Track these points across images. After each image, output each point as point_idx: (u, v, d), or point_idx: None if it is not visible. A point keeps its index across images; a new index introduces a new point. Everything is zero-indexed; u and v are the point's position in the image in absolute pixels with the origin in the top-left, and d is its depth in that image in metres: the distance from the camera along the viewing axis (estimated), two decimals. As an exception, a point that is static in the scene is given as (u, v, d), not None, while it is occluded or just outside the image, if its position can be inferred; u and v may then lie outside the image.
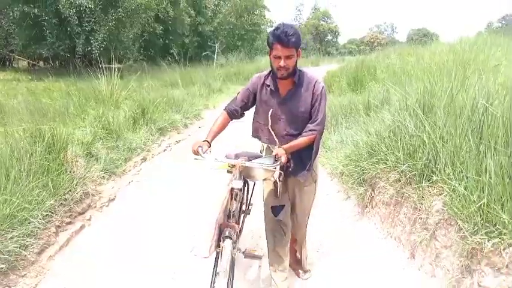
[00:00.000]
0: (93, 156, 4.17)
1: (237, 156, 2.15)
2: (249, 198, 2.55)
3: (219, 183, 2.54)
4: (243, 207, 2.41)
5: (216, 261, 1.97)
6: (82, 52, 11.88)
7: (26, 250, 2.60)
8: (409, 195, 2.40)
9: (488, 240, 1.72)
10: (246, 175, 2.13)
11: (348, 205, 3.40)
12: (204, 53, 18.28)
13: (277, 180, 2.12)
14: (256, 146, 2.41)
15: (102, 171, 4.03)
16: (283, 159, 1.94)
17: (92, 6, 11.48)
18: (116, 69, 7.69)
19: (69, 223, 3.18)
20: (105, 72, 7.06)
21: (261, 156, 2.21)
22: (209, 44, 18.49)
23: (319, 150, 2.21)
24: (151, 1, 12.89)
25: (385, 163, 2.72)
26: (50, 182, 3.08)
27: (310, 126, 2.08)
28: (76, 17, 11.47)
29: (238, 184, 2.02)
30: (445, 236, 2.06)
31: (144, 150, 5.12)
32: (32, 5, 11.02)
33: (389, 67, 5.84)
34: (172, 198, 3.82)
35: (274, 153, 1.98)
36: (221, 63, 17.17)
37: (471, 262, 1.80)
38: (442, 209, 2.09)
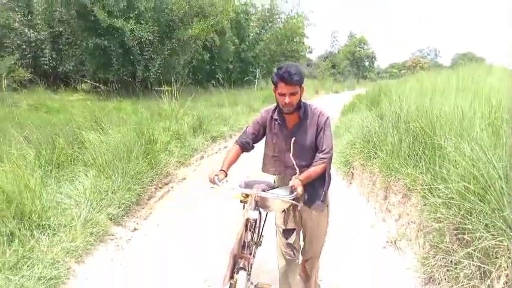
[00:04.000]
0: (169, 151, 6.23)
1: (249, 186, 2.30)
2: (261, 229, 2.60)
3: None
4: (255, 238, 2.44)
5: None
6: (141, 77, 14.50)
7: (140, 197, 4.61)
8: (367, 166, 4.18)
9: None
10: (261, 205, 2.24)
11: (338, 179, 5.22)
12: (246, 78, 20.65)
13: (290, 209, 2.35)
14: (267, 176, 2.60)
15: (176, 161, 6.06)
16: (300, 190, 2.06)
17: (151, 38, 14.13)
18: (168, 92, 9.93)
19: (161, 188, 5.19)
20: (161, 94, 9.35)
21: (274, 186, 2.38)
22: (251, 69, 20.90)
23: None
24: (201, 33, 15.42)
25: (358, 150, 4.53)
26: (151, 160, 5.12)
27: (319, 155, 2.28)
28: (138, 47, 14.14)
29: (254, 214, 2.11)
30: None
31: (202, 151, 7.16)
32: (102, 38, 13.83)
33: (403, 90, 7.53)
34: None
35: (290, 185, 2.10)
36: (261, 87, 19.43)
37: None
38: (379, 172, 3.87)
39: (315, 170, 2.24)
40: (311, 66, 39.42)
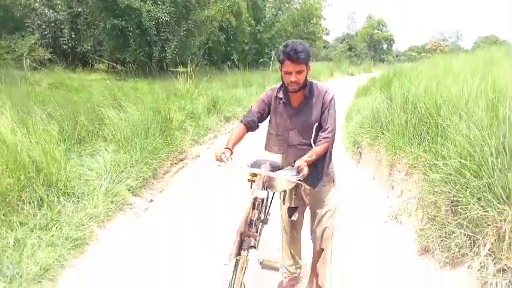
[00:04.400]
0: (184, 129, 6.48)
1: (258, 165, 2.34)
2: (267, 208, 2.63)
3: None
4: (262, 216, 2.49)
5: (236, 270, 2.01)
6: (158, 57, 14.72)
7: (157, 171, 4.89)
8: (374, 146, 4.35)
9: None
10: (268, 185, 2.29)
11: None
12: (261, 59, 20.68)
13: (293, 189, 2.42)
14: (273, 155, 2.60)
15: (190, 139, 6.31)
16: (306, 170, 2.09)
17: (168, 19, 14.27)
18: (184, 73, 10.14)
19: (176, 164, 5.47)
20: (177, 75, 9.56)
21: (279, 165, 2.45)
22: (266, 51, 20.89)
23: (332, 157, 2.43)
24: (217, 14, 15.47)
25: (366, 130, 4.68)
26: (167, 137, 5.38)
27: (322, 135, 2.28)
28: (154, 28, 14.31)
29: (263, 194, 2.17)
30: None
31: (215, 130, 7.40)
32: (120, 18, 14.03)
33: (416, 73, 7.54)
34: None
35: (296, 165, 2.14)
36: (276, 68, 19.47)
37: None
38: (385, 151, 4.02)
39: (318, 149, 2.25)
40: (327, 48, 39.03)
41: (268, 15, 21.74)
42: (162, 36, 14.64)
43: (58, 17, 15.94)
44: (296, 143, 2.37)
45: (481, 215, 2.34)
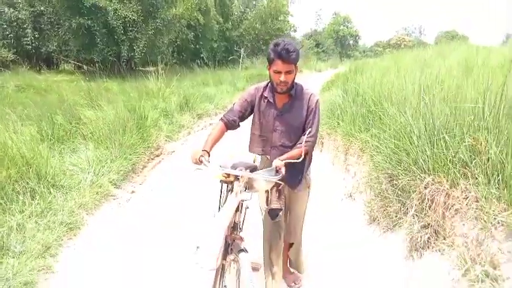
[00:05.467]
0: (159, 127, 6.92)
1: (234, 167, 2.25)
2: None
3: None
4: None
5: (223, 274, 2.06)
6: (126, 57, 14.93)
7: (135, 166, 5.33)
8: (332, 135, 4.98)
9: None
10: (247, 186, 2.24)
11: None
12: (230, 57, 21.18)
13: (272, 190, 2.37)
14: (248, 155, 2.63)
15: (165, 135, 6.77)
16: (283, 170, 2.11)
17: (135, 18, 14.49)
18: (154, 72, 10.50)
19: (152, 159, 5.92)
20: (147, 74, 9.94)
21: (256, 166, 2.41)
22: (235, 49, 21.41)
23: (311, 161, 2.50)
24: (185, 12, 15.82)
25: (325, 121, 5.34)
26: (143, 134, 5.82)
27: (304, 138, 2.27)
28: (122, 27, 14.48)
29: (247, 196, 2.16)
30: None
31: (188, 127, 7.87)
32: (86, 17, 14.13)
33: (372, 68, 8.33)
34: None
35: (274, 166, 2.15)
36: (246, 66, 20.02)
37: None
38: (341, 139, 4.66)
39: (297, 151, 2.26)
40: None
41: (236, 13, 22.26)
42: (130, 35, 14.84)
43: (19, 16, 15.76)
44: (279, 144, 2.40)
45: (408, 183, 2.98)
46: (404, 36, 43.87)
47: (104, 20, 14.28)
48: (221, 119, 2.44)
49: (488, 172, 2.48)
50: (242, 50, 20.56)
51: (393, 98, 4.03)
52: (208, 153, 2.26)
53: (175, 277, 2.87)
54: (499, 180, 2.43)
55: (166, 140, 6.72)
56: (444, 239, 2.73)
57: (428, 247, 2.85)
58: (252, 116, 2.51)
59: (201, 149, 2.26)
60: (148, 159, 5.81)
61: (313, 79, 18.88)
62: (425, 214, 2.86)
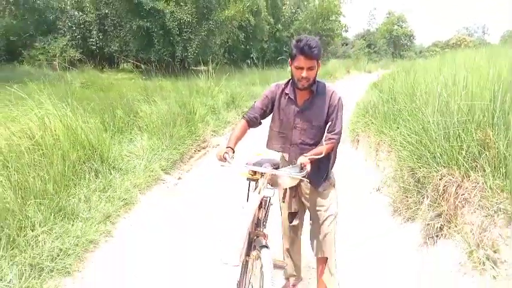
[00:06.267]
0: (206, 122, 7.53)
1: (259, 164, 2.30)
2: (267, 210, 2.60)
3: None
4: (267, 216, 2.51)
5: (246, 271, 2.11)
6: (180, 57, 15.89)
7: (183, 156, 5.94)
8: (366, 131, 5.24)
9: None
10: (271, 183, 2.29)
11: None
12: (279, 57, 21.66)
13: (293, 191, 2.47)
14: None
15: (211, 130, 7.36)
16: (309, 167, 2.11)
17: (190, 19, 15.40)
18: (205, 71, 11.20)
19: (199, 151, 6.51)
20: (199, 73, 10.64)
21: (279, 164, 2.46)
22: (285, 49, 21.87)
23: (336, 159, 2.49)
24: (237, 13, 16.51)
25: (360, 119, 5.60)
26: (191, 128, 6.44)
27: (328, 135, 2.30)
28: (177, 28, 15.46)
29: (270, 192, 2.20)
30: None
31: (233, 123, 8.42)
32: (145, 20, 15.25)
33: (420, 68, 8.36)
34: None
35: (299, 162, 2.17)
36: (295, 66, 20.41)
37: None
38: (374, 136, 4.92)
39: (322, 149, 2.25)
40: (346, 45, 39.61)
41: (286, 14, 22.70)
42: (184, 36, 15.79)
43: (87, 19, 17.32)
44: (299, 141, 2.39)
45: (425, 175, 3.25)
46: (465, 36, 41.84)
47: (161, 22, 15.33)
48: (243, 116, 2.48)
49: (496, 165, 2.72)
50: (291, 50, 20.98)
51: (418, 96, 4.25)
52: (233, 150, 2.29)
53: (205, 268, 3.09)
54: (504, 172, 2.66)
55: (212, 134, 7.30)
56: (456, 226, 2.98)
57: (442, 235, 3.12)
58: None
59: (225, 147, 2.29)
60: (195, 151, 6.41)
61: (360, 80, 18.84)
62: (438, 204, 3.12)
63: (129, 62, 19.08)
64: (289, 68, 2.31)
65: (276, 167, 2.37)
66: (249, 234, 2.11)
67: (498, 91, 2.90)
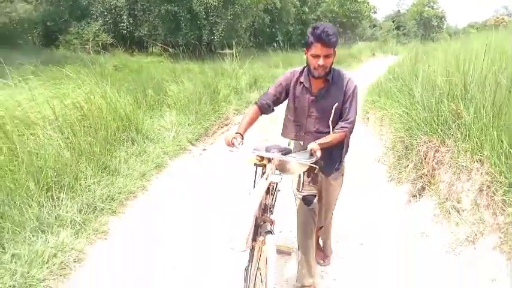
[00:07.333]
0: (229, 101, 8.23)
1: (268, 149, 2.28)
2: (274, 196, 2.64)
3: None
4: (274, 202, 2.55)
5: (252, 256, 2.14)
6: (207, 40, 16.59)
7: (207, 130, 6.67)
8: (373, 109, 5.79)
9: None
10: (280, 169, 2.26)
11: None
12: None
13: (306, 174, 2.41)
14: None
15: (234, 109, 8.07)
16: (319, 154, 2.11)
17: (216, 3, 16.01)
18: (231, 55, 11.84)
19: (222, 127, 7.24)
20: (224, 57, 11.30)
21: (290, 150, 2.41)
22: (310, 32, 22.16)
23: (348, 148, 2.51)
24: (263, -4, 16.99)
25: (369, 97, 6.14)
26: (215, 106, 7.16)
27: (341, 123, 2.31)
28: (204, 12, 16.12)
29: (277, 178, 2.16)
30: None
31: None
32: (173, 4, 15.98)
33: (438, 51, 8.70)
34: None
35: (309, 148, 2.16)
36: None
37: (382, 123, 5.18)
38: (378, 111, 5.47)
39: (333, 137, 2.27)
40: (374, 27, 39.08)
41: (313, -4, 22.95)
42: (211, 20, 16.46)
43: (118, 4, 18.22)
44: (313, 130, 2.39)
45: (411, 143, 3.84)
46: (503, 16, 40.32)
47: (188, 6, 16.04)
48: (255, 102, 2.48)
49: (463, 132, 3.28)
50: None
51: (419, 75, 4.77)
52: (242, 135, 2.29)
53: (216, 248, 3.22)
54: (469, 136, 3.23)
55: (234, 113, 8.01)
56: (433, 185, 3.58)
57: (424, 194, 3.72)
58: (287, 100, 2.51)
59: (234, 132, 2.31)
60: (218, 127, 7.15)
61: (384, 62, 18.98)
62: (421, 166, 3.71)
63: (158, 45, 19.94)
64: (305, 56, 2.32)
65: (284, 152, 2.33)
66: (256, 220, 2.15)
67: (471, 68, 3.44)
